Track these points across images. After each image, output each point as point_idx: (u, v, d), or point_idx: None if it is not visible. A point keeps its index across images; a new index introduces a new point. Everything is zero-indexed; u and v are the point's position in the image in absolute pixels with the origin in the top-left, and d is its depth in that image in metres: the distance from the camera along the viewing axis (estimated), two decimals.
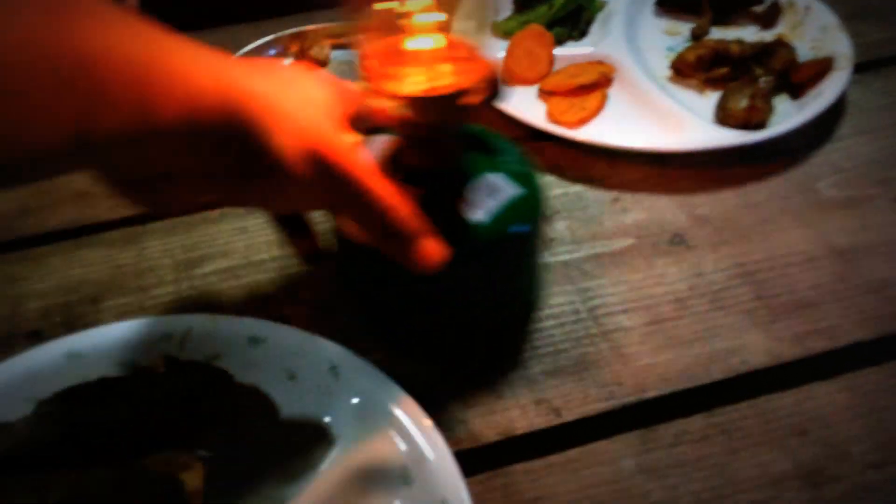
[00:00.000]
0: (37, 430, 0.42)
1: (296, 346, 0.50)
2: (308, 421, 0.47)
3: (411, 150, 0.47)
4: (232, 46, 0.73)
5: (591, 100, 0.71)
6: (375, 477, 0.45)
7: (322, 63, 0.76)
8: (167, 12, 0.42)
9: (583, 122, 0.69)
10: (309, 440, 0.47)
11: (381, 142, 0.48)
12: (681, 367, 0.52)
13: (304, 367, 0.49)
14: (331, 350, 0.49)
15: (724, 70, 0.74)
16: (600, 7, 0.82)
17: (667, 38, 0.81)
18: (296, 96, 0.39)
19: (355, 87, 0.44)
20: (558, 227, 0.62)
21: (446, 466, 0.43)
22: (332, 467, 0.45)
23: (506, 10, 0.81)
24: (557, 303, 0.56)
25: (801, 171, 0.67)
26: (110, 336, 0.50)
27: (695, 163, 0.67)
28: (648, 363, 0.52)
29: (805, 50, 0.76)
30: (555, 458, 0.48)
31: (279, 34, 0.77)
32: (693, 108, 0.71)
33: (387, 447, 0.45)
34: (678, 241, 0.61)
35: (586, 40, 0.79)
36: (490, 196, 0.47)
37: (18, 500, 0.39)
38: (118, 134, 0.30)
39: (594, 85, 0.72)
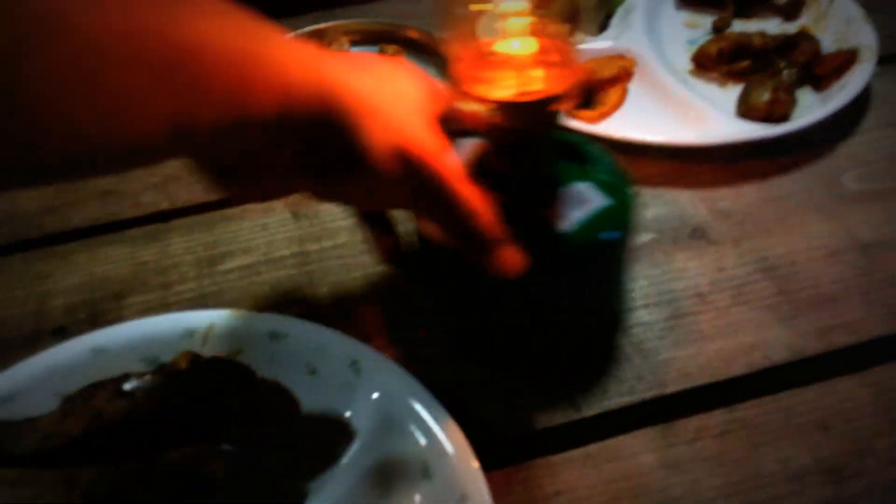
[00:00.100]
0: (62, 425, 0.42)
1: (316, 342, 0.50)
2: (329, 415, 0.48)
3: (498, 156, 0.45)
4: None
5: (612, 94, 0.71)
6: (396, 471, 0.45)
7: None
8: None
9: (603, 116, 0.69)
10: (330, 435, 0.47)
11: (468, 145, 0.47)
12: (702, 363, 0.52)
13: (324, 362, 0.49)
14: (351, 345, 0.49)
15: (746, 63, 0.74)
16: (620, 1, 0.81)
17: (687, 31, 0.81)
18: (390, 92, 0.39)
19: (445, 87, 0.43)
20: None
21: (466, 461, 0.43)
22: (353, 461, 0.46)
23: None
24: None
25: (824, 164, 0.66)
26: (134, 332, 0.51)
27: (716, 157, 0.66)
28: (669, 358, 0.52)
29: (828, 42, 0.75)
30: (575, 453, 0.48)
31: (298, 31, 0.77)
32: (714, 101, 0.70)
33: (407, 442, 0.45)
34: (699, 235, 0.60)
35: (606, 34, 0.79)
36: (577, 206, 0.45)
37: (47, 493, 0.40)
38: (214, 125, 0.30)
39: (614, 79, 0.72)
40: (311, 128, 0.34)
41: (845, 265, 0.57)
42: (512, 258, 0.41)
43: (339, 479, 0.45)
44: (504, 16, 0.41)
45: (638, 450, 0.47)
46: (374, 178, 0.37)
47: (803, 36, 0.75)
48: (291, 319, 0.51)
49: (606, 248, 0.47)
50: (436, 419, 0.45)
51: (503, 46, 0.42)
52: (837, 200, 0.63)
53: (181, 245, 0.63)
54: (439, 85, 0.43)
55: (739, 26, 0.80)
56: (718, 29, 0.80)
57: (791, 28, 0.78)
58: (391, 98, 0.38)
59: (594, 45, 0.76)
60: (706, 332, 0.54)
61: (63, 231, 0.65)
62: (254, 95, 0.31)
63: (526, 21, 0.41)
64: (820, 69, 0.72)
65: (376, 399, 0.47)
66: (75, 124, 0.26)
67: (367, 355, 0.49)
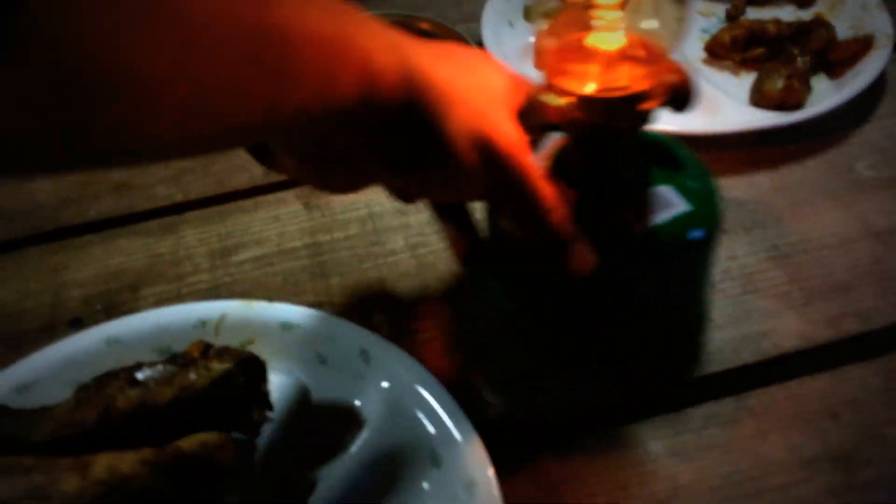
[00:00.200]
0: (76, 414, 0.43)
1: (326, 332, 0.50)
2: (338, 404, 0.48)
3: (579, 153, 0.44)
4: None
5: None
6: (404, 459, 0.45)
7: None
8: None
9: None
10: (339, 423, 0.47)
11: (549, 140, 0.46)
12: (711, 350, 0.52)
13: (334, 351, 0.50)
14: (361, 335, 0.50)
15: (759, 50, 0.73)
16: None
17: (701, 19, 0.81)
18: (473, 83, 0.38)
19: (529, 79, 0.43)
20: None
21: (475, 449, 0.44)
22: (362, 450, 0.46)
23: None
24: None
25: (838, 151, 0.66)
26: (147, 323, 0.52)
27: (728, 145, 0.66)
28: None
29: (843, 29, 0.74)
30: (583, 441, 0.48)
31: None
32: (728, 89, 0.70)
33: (416, 430, 0.45)
34: None
35: None
36: (658, 209, 0.44)
37: (61, 480, 0.41)
38: (300, 111, 0.30)
39: None
40: (393, 114, 0.34)
41: (858, 253, 0.57)
42: (581, 257, 0.41)
43: (348, 467, 0.45)
44: (598, 6, 0.40)
45: (647, 438, 0.47)
46: (452, 168, 0.37)
47: (818, 23, 0.74)
48: (302, 309, 0.52)
49: (683, 254, 0.45)
50: (444, 407, 0.46)
51: (593, 40, 0.41)
52: (851, 188, 0.62)
53: (195, 237, 0.63)
54: (521, 77, 0.43)
55: (753, 14, 0.79)
56: (732, 17, 0.79)
57: (805, 15, 0.78)
58: (475, 88, 0.38)
59: None
60: (717, 321, 0.53)
61: (79, 224, 0.66)
62: (338, 79, 0.31)
63: (617, 15, 0.40)
64: (834, 56, 0.72)
65: (385, 388, 0.48)
66: (180, 108, 0.25)
67: (376, 345, 0.49)
